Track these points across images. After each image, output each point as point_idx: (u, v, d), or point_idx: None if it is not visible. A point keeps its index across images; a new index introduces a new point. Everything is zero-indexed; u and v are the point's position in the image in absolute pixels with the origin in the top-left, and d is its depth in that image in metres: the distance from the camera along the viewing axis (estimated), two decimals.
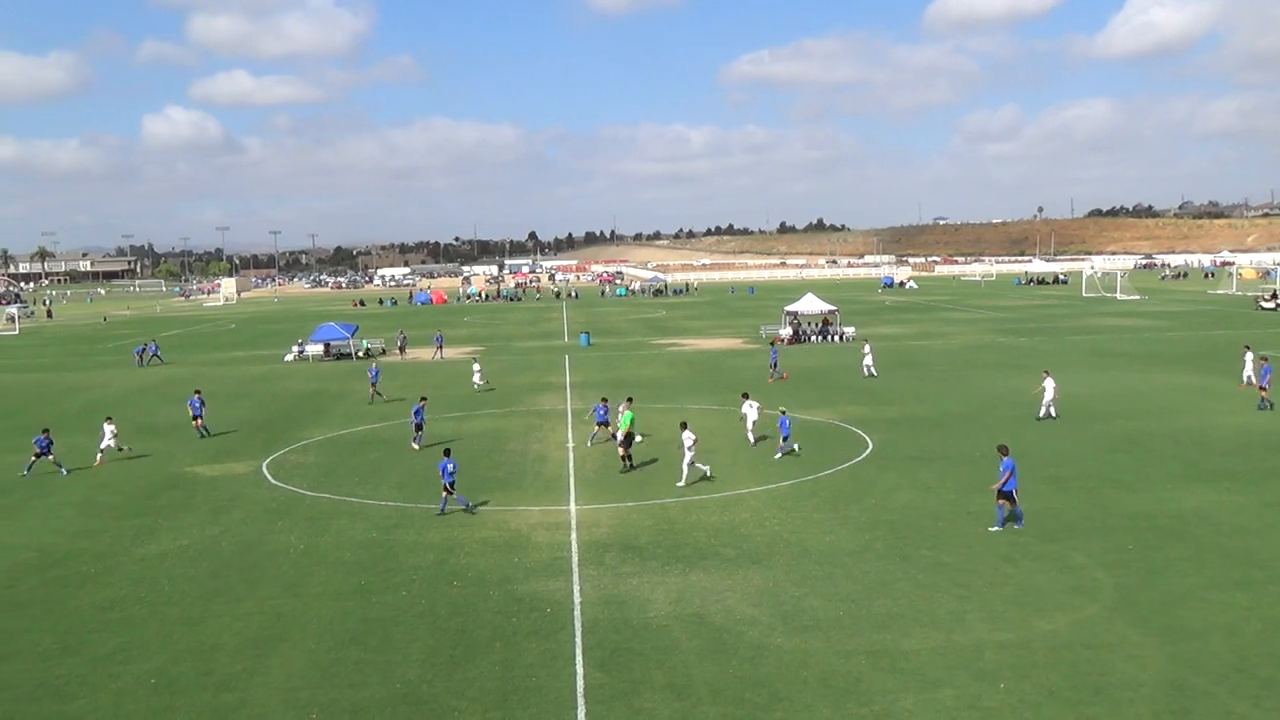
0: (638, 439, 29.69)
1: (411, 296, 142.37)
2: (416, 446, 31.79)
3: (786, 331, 65.11)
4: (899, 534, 21.51)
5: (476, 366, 47.09)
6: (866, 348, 48.05)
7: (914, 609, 17.18)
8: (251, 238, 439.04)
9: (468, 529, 22.93)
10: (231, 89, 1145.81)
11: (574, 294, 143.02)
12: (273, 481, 28.48)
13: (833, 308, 66.65)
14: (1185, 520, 21.94)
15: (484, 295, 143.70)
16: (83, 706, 14.48)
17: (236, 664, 15.75)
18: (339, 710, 14.15)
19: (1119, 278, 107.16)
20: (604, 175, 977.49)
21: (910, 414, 36.10)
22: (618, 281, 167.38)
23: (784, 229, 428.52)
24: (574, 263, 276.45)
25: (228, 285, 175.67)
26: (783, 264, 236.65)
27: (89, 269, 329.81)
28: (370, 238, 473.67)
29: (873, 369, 45.87)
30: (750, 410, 31.23)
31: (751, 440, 30.99)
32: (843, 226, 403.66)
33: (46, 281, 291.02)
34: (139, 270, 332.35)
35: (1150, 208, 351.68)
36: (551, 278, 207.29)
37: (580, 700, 14.20)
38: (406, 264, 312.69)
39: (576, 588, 18.77)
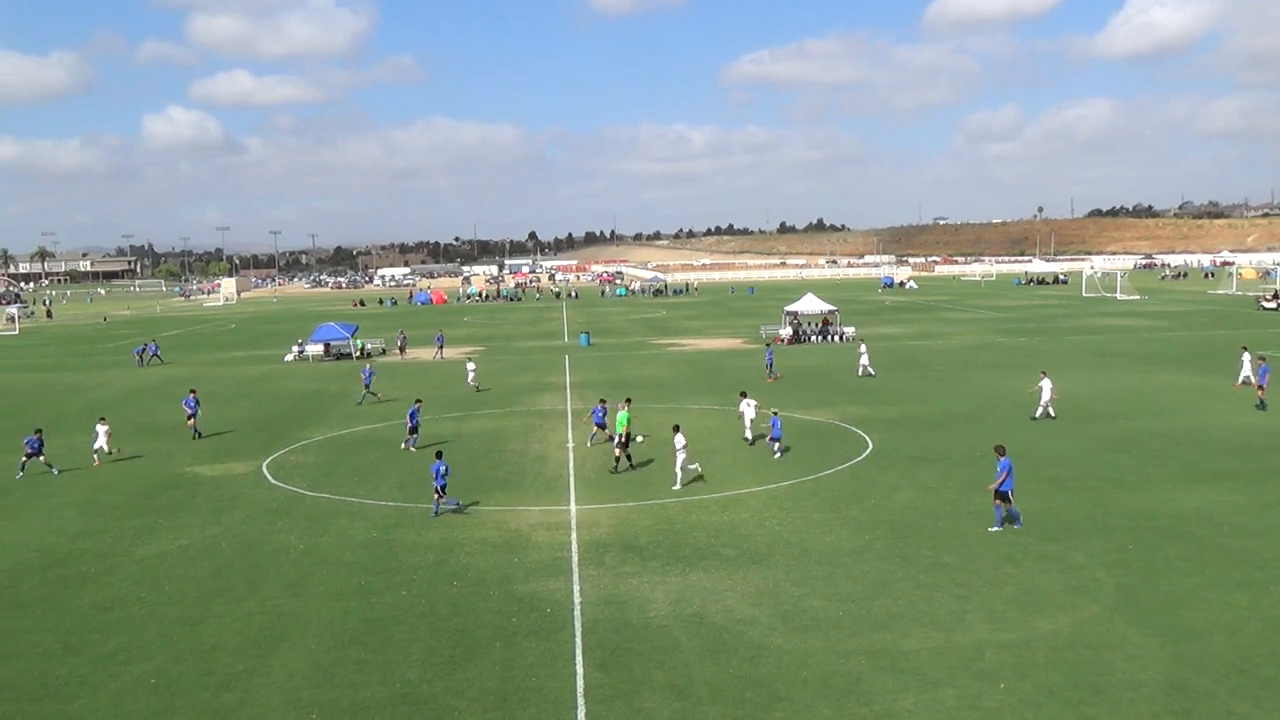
0: (640, 439, 29.69)
1: (411, 296, 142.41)
2: (414, 449, 31.57)
3: (786, 331, 65.12)
4: (899, 534, 21.51)
5: (471, 366, 46.97)
6: (863, 348, 48.08)
7: (914, 609, 17.17)
8: (251, 238, 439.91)
9: (468, 529, 22.93)
10: (232, 89, 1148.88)
11: (574, 294, 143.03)
12: (273, 481, 28.49)
13: (833, 308, 66.66)
14: (1186, 520, 21.94)
15: (484, 295, 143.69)
16: (83, 706, 14.49)
17: (237, 664, 15.75)
18: (339, 710, 14.15)
19: (1119, 278, 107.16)
20: (604, 175, 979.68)
21: (910, 414, 36.10)
22: (618, 281, 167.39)
23: (784, 229, 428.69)
24: (574, 263, 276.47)
25: (228, 285, 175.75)
26: (783, 264, 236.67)
27: (89, 269, 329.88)
28: (370, 238, 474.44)
29: (869, 369, 45.89)
30: (748, 409, 31.46)
31: (749, 438, 31.09)
32: (843, 226, 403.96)
33: (46, 281, 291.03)
34: (139, 270, 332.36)
35: (1150, 208, 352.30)
36: (551, 278, 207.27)
37: (580, 700, 14.20)
38: (406, 264, 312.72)
39: (576, 588, 18.76)
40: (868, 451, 29.96)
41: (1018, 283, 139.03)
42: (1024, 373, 43.86)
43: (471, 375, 45.84)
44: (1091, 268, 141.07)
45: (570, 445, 32.21)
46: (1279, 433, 30.94)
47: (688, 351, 61.28)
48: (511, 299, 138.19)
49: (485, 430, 35.51)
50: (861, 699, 13.97)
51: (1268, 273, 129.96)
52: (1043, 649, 15.39)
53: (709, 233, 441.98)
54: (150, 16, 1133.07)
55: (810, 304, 65.66)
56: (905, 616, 16.84)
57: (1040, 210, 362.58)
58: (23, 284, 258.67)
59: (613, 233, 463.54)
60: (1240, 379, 39.31)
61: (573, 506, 24.69)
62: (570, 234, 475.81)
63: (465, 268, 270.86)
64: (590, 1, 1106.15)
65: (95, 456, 31.25)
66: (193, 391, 37.04)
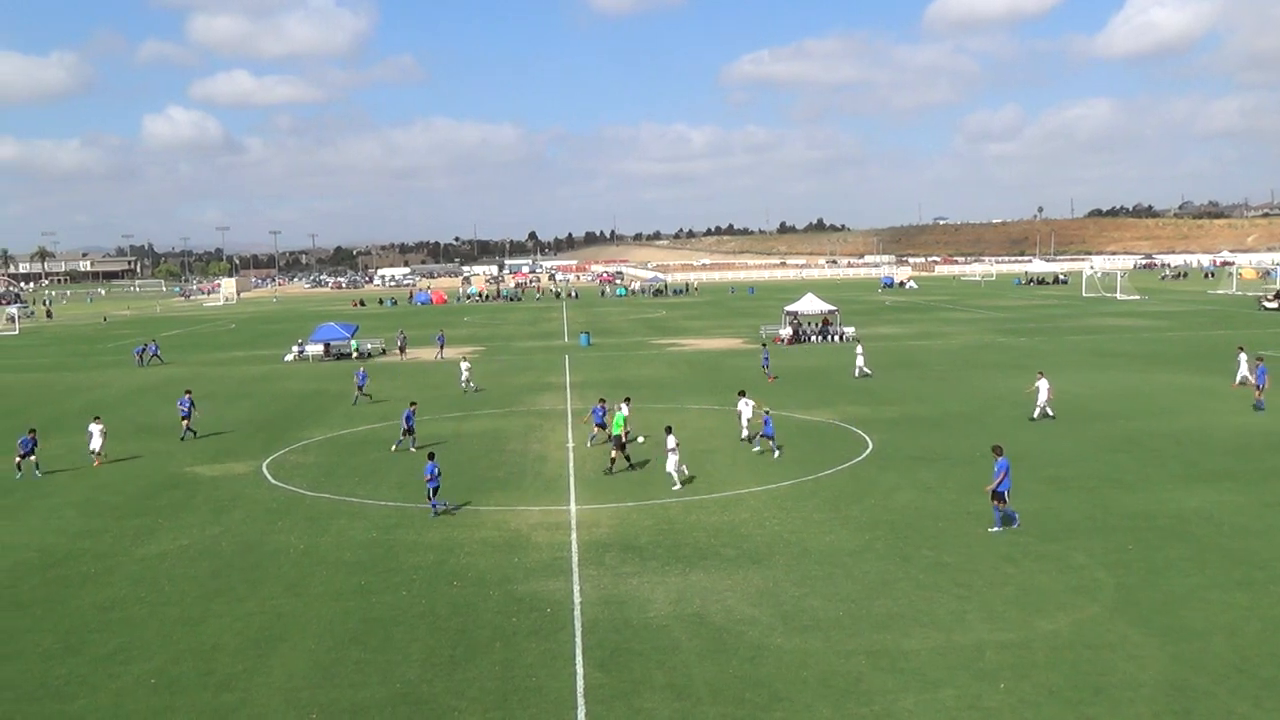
0: (640, 439, 29.70)
1: (411, 296, 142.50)
2: (413, 450, 31.56)
3: (786, 331, 65.13)
4: (899, 534, 21.51)
5: (465, 365, 46.68)
6: (859, 348, 48.11)
7: (914, 609, 17.17)
8: (251, 238, 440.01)
9: (468, 529, 22.93)
10: (232, 89, 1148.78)
11: (574, 294, 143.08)
12: (273, 481, 28.49)
13: (833, 308, 66.69)
14: (1186, 520, 21.94)
15: (484, 295, 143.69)
16: (83, 706, 14.49)
17: (237, 664, 15.76)
18: (339, 710, 14.15)
19: (1119, 278, 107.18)
20: (605, 175, 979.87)
21: (910, 414, 36.10)
22: (618, 281, 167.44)
23: (784, 229, 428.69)
24: (574, 263, 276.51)
25: (228, 285, 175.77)
26: (783, 264, 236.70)
27: (89, 269, 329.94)
28: (370, 238, 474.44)
29: (866, 369, 45.89)
30: (745, 408, 31.66)
31: (745, 436, 31.20)
32: (843, 226, 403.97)
33: (46, 281, 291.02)
34: (139, 270, 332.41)
35: (1150, 208, 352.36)
36: (551, 278, 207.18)
37: (580, 700, 14.20)
38: (406, 264, 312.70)
39: (576, 588, 18.76)
40: (868, 451, 29.96)
41: (1018, 283, 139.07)
42: (1024, 373, 43.82)
43: (465, 375, 45.40)
44: (1091, 268, 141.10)
45: (570, 445, 32.22)
46: (1279, 433, 30.95)
47: (688, 351, 61.29)
48: (511, 299, 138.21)
49: (485, 430, 35.52)
50: (861, 699, 13.97)
51: (1268, 273, 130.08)
52: (1043, 649, 15.39)
53: (709, 233, 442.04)
54: (150, 16, 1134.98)
55: (810, 304, 65.70)
56: (905, 616, 16.84)
57: (1040, 210, 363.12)
58: (23, 284, 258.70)
59: (613, 233, 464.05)
60: (1238, 379, 39.32)
61: (573, 506, 24.69)
62: (570, 234, 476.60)
63: (465, 268, 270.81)
64: (590, 1, 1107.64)
65: (94, 457, 31.27)
66: (188, 392, 37.03)
